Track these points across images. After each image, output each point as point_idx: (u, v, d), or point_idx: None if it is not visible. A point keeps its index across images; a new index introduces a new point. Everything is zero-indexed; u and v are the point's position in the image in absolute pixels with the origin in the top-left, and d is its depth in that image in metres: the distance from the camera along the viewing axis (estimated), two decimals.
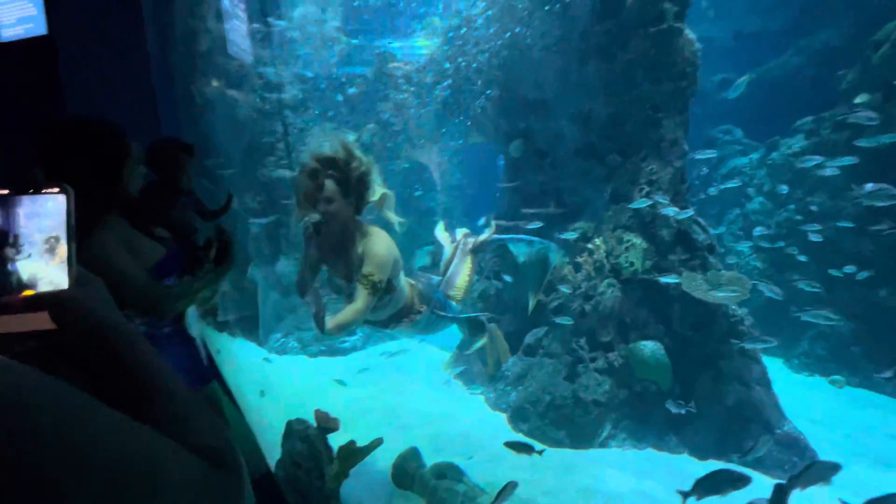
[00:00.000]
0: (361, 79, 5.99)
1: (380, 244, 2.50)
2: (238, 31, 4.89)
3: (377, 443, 2.94)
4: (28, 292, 0.58)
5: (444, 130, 6.04)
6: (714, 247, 4.34)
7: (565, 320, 4.13)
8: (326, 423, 2.97)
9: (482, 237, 3.58)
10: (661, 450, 3.88)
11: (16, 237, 0.58)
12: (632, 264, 4.26)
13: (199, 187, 3.05)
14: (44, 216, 0.59)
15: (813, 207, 5.91)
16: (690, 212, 4.18)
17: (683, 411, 3.73)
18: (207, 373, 2.14)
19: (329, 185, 2.47)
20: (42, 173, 2.67)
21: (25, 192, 0.59)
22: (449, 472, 3.25)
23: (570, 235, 4.48)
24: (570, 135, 4.86)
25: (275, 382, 4.59)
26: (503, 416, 4.28)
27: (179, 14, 4.79)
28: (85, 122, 1.62)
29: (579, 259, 4.45)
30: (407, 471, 3.28)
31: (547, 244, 4.11)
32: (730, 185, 6.60)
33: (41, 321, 0.58)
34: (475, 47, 5.27)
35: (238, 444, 2.00)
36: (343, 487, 2.97)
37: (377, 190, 2.61)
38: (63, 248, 0.59)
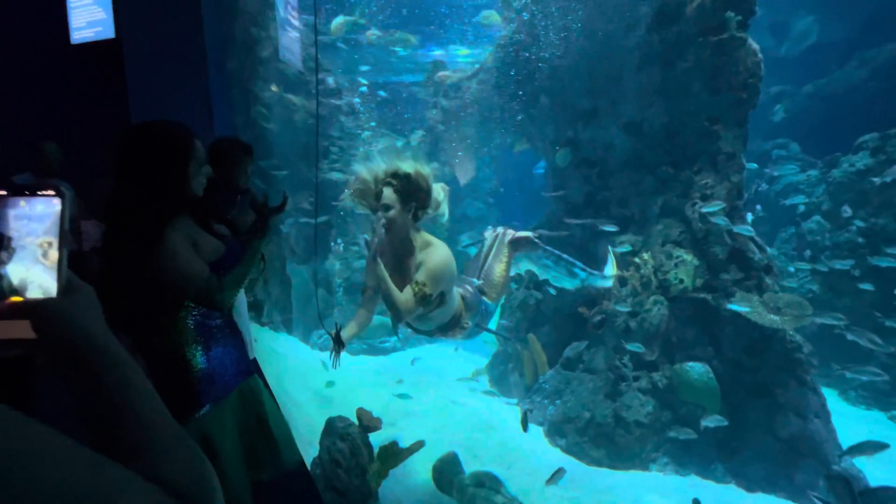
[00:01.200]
0: (413, 87, 6.07)
1: (438, 257, 2.46)
2: (295, 39, 5.03)
3: (419, 445, 2.93)
4: (15, 298, 0.56)
5: (495, 142, 6.02)
6: (771, 267, 4.12)
7: (636, 347, 3.94)
8: (369, 423, 2.97)
9: (523, 233, 3.41)
10: (705, 478, 3.70)
11: (8, 240, 0.56)
12: (681, 281, 4.10)
13: (253, 187, 3.13)
14: (37, 219, 0.57)
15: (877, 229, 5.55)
16: (750, 229, 3.98)
17: (713, 425, 3.53)
18: (251, 366, 2.16)
19: (387, 192, 2.46)
20: (32, 176, 2.75)
21: (20, 194, 0.57)
22: (488, 481, 3.19)
23: (624, 249, 4.31)
24: (620, 144, 4.73)
25: (315, 379, 4.64)
26: (540, 430, 4.19)
27: (241, 22, 4.97)
28: (151, 124, 1.68)
29: (625, 273, 4.31)
30: (446, 475, 3.25)
31: (591, 278, 3.83)
32: (796, 200, 6.24)
33: (25, 329, 0.56)
34: (527, 54, 5.22)
35: (276, 438, 1.99)
36: (381, 487, 2.97)
37: (438, 201, 2.58)
38: (55, 253, 0.58)
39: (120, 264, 1.62)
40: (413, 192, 2.46)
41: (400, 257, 2.57)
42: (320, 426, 3.18)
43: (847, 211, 5.61)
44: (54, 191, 0.58)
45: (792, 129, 7.76)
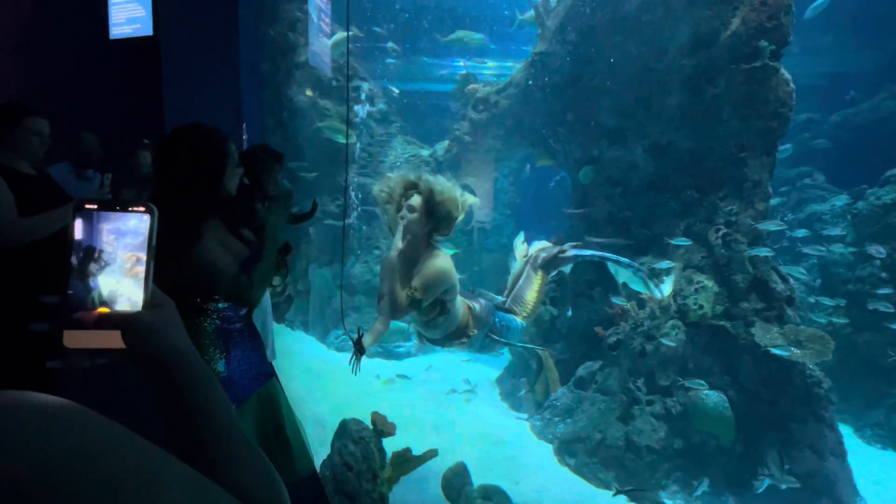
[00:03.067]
0: (444, 96, 6.14)
1: (436, 265, 2.53)
2: (325, 45, 5.14)
3: (432, 454, 2.94)
4: (103, 309, 0.58)
5: (517, 155, 6.06)
6: (794, 299, 4.08)
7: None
8: (384, 427, 2.98)
9: (555, 250, 3.41)
10: None
11: (99, 252, 0.58)
12: (701, 307, 4.06)
13: (282, 187, 3.18)
14: (128, 234, 0.59)
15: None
16: (770, 251, 3.95)
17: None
18: (270, 369, 2.19)
19: (416, 198, 2.54)
20: (132, 193, 2.84)
21: (112, 209, 0.59)
22: (495, 496, 3.19)
23: (665, 265, 4.22)
24: (644, 166, 4.73)
25: (329, 379, 4.67)
26: (549, 447, 4.16)
27: (279, 27, 5.08)
28: (189, 127, 1.72)
29: (644, 296, 4.29)
30: (455, 485, 3.25)
31: (638, 272, 3.83)
32: (833, 232, 6.17)
33: (112, 339, 0.58)
34: (557, 72, 5.25)
35: (292, 446, 2.00)
36: (392, 493, 2.97)
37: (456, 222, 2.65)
38: (142, 268, 0.59)
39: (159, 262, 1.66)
40: (438, 212, 2.54)
41: (408, 265, 2.62)
42: (332, 427, 3.19)
43: (881, 251, 5.50)
44: (144, 207, 0.60)
45: (818, 158, 7.67)
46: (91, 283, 0.58)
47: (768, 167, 4.26)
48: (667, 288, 4.01)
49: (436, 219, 2.55)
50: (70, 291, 0.57)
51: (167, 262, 1.62)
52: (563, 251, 3.40)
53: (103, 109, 4.31)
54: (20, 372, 1.88)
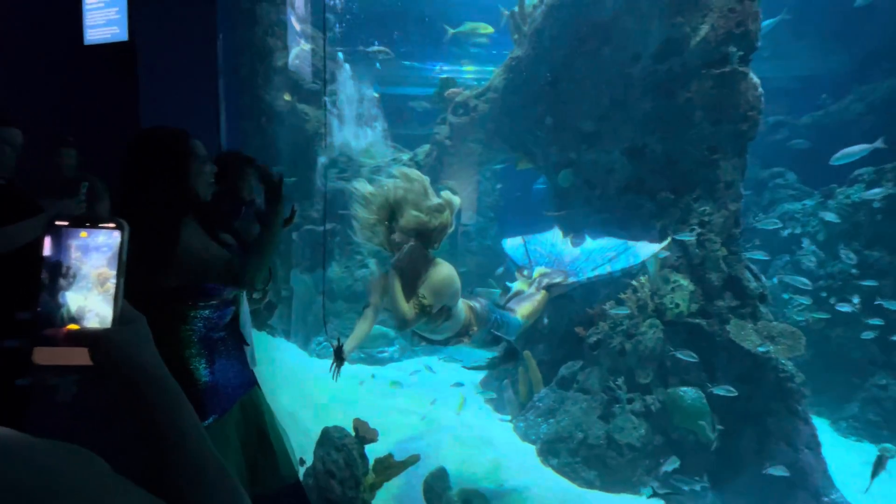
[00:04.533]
0: (423, 100, 6.18)
1: (441, 274, 2.58)
2: (304, 50, 5.15)
3: (414, 459, 2.94)
4: (73, 326, 0.58)
5: (498, 158, 6.12)
6: (766, 296, 4.19)
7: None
8: (366, 434, 2.98)
9: (559, 279, 3.52)
10: (697, 503, 3.71)
11: (68, 269, 0.58)
12: (677, 306, 4.15)
13: (259, 192, 3.17)
14: (96, 250, 0.59)
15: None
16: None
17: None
18: (253, 377, 2.18)
19: (403, 221, 2.56)
20: (50, 200, 2.75)
21: (82, 226, 0.59)
22: (476, 499, 3.20)
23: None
24: (621, 169, 4.82)
25: (310, 386, 4.64)
26: (532, 448, 4.20)
27: (258, 31, 5.07)
28: (148, 130, 1.72)
29: (622, 295, 4.36)
30: (435, 490, 3.25)
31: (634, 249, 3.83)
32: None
33: (81, 356, 0.58)
34: (534, 76, 5.32)
35: (276, 452, 1.98)
36: (374, 499, 2.97)
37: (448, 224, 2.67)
38: (112, 284, 0.60)
39: (133, 269, 1.65)
40: (430, 231, 2.58)
41: (409, 278, 2.65)
42: (315, 434, 3.18)
43: (851, 257, 5.67)
44: (114, 223, 0.61)
45: (788, 158, 7.89)
46: (60, 299, 0.58)
47: (740, 168, 4.38)
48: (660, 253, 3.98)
49: (428, 235, 2.60)
50: (39, 309, 0.57)
51: (147, 269, 1.61)
52: (566, 279, 3.53)
53: (78, 116, 4.23)
54: None
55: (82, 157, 3.72)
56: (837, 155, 4.91)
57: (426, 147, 5.95)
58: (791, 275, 5.33)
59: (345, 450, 3.05)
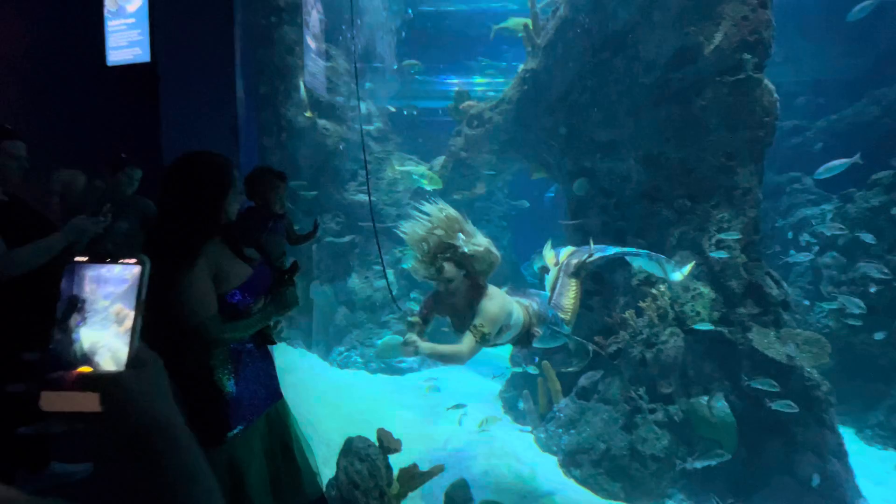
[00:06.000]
0: (440, 112, 6.28)
1: (494, 304, 2.62)
2: (319, 66, 5.26)
3: (438, 469, 2.94)
4: (83, 369, 0.54)
5: (512, 168, 6.16)
6: (789, 303, 4.14)
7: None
8: (390, 444, 2.99)
9: (584, 256, 3.50)
10: None
11: (83, 304, 0.56)
12: (698, 314, 4.12)
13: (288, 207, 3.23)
14: (114, 285, 0.57)
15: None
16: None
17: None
18: (279, 389, 2.20)
19: (448, 268, 2.60)
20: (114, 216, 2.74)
21: (102, 262, 0.57)
22: None
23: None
24: (637, 177, 4.82)
25: (333, 397, 4.66)
26: (554, 459, 4.16)
27: (278, 51, 5.21)
28: (194, 155, 1.74)
29: (642, 304, 4.34)
30: (456, 501, 3.25)
31: (660, 257, 3.84)
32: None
33: (91, 403, 0.53)
34: (547, 89, 5.37)
35: (300, 467, 1.98)
36: None
37: (492, 257, 2.67)
38: (129, 322, 0.56)
39: (155, 285, 1.66)
40: (477, 270, 2.62)
41: (460, 310, 2.72)
42: (337, 445, 3.19)
43: (870, 237, 5.61)
44: (135, 259, 0.58)
45: (804, 162, 7.81)
46: (73, 335, 0.55)
47: (757, 174, 4.37)
48: (685, 270, 3.94)
49: (471, 265, 2.63)
50: (51, 346, 0.55)
51: (164, 284, 1.63)
52: (591, 254, 3.49)
53: (101, 135, 4.35)
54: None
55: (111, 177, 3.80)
56: (820, 169, 5.07)
57: (441, 159, 6.03)
58: (818, 283, 5.23)
59: (368, 460, 3.06)
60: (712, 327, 3.96)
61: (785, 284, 4.32)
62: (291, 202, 5.18)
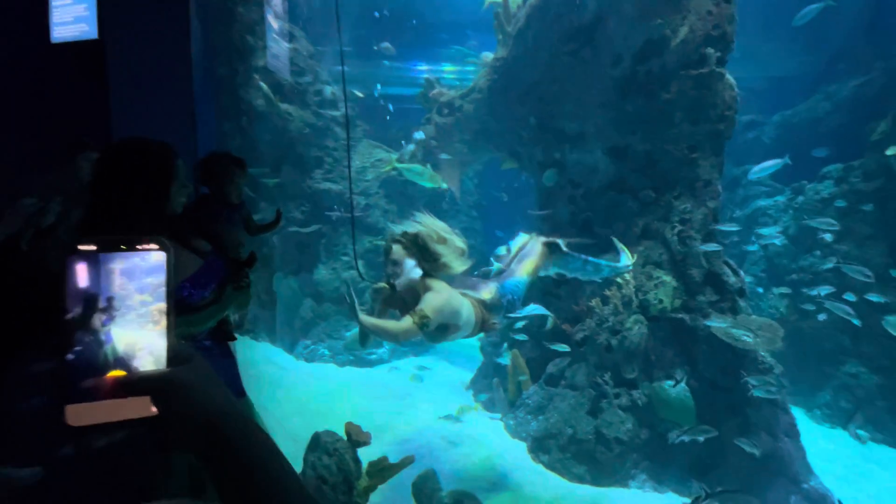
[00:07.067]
0: (409, 100, 6.17)
1: (439, 298, 2.63)
2: (282, 48, 5.04)
3: (409, 460, 2.93)
4: (117, 372, 0.49)
5: (483, 159, 6.13)
6: (744, 291, 4.32)
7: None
8: (358, 437, 2.95)
9: (559, 241, 3.52)
10: (682, 494, 3.81)
11: (109, 300, 0.49)
12: (661, 302, 4.25)
13: (247, 195, 3.10)
14: (147, 276, 0.50)
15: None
16: (718, 246, 4.18)
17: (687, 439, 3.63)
18: (242, 386, 2.13)
19: (396, 249, 2.64)
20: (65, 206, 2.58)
21: (117, 249, 0.49)
22: (466, 499, 3.21)
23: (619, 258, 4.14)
24: (604, 168, 4.90)
25: (299, 391, 4.57)
26: (523, 445, 4.23)
27: (237, 30, 4.95)
28: (132, 142, 1.63)
29: (607, 292, 4.43)
30: (425, 492, 3.25)
31: (614, 269, 3.84)
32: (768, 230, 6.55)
33: (137, 408, 0.48)
34: (518, 77, 5.35)
35: None
36: (368, 503, 2.94)
37: (450, 261, 2.71)
38: (162, 316, 0.50)
39: None
40: (420, 251, 2.65)
41: (407, 303, 2.71)
42: (303, 440, 3.13)
43: (827, 237, 5.93)
44: (158, 245, 0.51)
45: (759, 155, 8.14)
46: (102, 336, 0.48)
47: (717, 167, 4.51)
48: (625, 259, 4.03)
49: (421, 257, 2.65)
50: (74, 352, 0.47)
51: None
52: (567, 243, 3.53)
53: (45, 117, 4.06)
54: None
55: (48, 159, 3.55)
56: (755, 169, 5.39)
57: (411, 147, 5.95)
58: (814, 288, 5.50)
59: (336, 454, 3.02)
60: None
61: (741, 272, 4.50)
62: (253, 190, 4.99)
